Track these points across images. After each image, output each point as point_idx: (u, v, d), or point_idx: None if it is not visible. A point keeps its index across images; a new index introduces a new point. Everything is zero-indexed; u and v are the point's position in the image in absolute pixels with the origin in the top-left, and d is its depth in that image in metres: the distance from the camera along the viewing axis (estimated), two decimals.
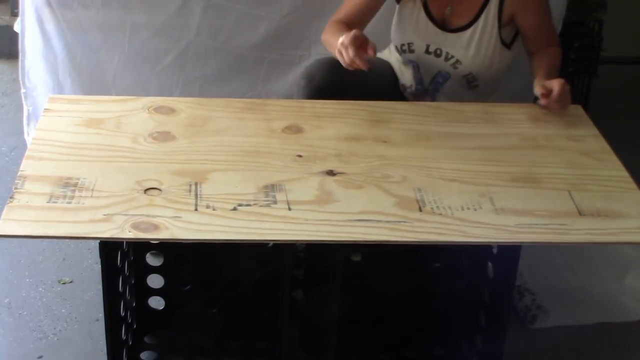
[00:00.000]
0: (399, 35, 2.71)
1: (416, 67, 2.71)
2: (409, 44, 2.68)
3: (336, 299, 2.25)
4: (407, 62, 2.74)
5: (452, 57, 2.65)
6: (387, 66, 2.82)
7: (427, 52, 2.67)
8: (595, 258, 2.97)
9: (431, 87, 2.73)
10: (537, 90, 2.45)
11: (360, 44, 2.36)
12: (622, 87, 4.34)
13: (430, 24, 2.64)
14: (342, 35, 2.40)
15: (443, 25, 2.64)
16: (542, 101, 2.42)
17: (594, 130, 2.42)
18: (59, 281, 2.80)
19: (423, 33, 2.66)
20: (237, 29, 3.07)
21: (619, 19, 3.98)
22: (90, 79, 3.09)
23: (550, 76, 2.51)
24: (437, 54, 2.65)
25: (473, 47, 2.62)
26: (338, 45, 2.37)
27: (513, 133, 2.40)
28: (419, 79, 2.73)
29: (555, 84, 2.42)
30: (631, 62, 4.54)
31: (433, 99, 2.74)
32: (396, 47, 2.74)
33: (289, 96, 2.88)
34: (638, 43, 4.57)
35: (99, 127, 2.30)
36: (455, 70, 2.67)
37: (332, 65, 2.58)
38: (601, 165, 2.27)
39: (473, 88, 2.71)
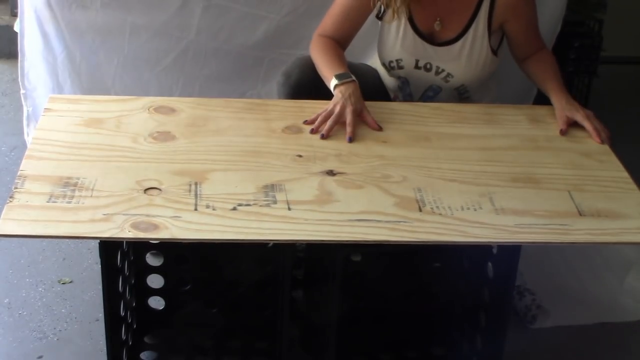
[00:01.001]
0: (386, 52, 2.66)
1: (405, 82, 2.70)
2: (397, 60, 2.65)
3: (336, 299, 2.25)
4: (395, 77, 2.72)
5: (443, 70, 2.62)
6: (371, 71, 2.80)
7: (417, 67, 2.63)
8: (595, 258, 2.97)
9: (420, 101, 2.70)
10: (562, 124, 2.43)
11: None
12: (622, 87, 4.35)
13: (417, 38, 2.60)
14: (339, 63, 2.50)
15: (431, 39, 2.61)
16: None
17: None
18: (59, 281, 2.80)
19: (411, 49, 2.62)
20: (237, 28, 3.07)
21: (619, 19, 3.98)
22: (90, 80, 3.09)
23: (562, 86, 2.53)
24: (427, 69, 2.63)
25: (464, 59, 2.59)
26: (344, 113, 2.36)
27: (513, 134, 2.40)
28: (407, 93, 2.71)
29: (581, 120, 2.42)
30: (631, 62, 4.54)
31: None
32: (384, 64, 2.70)
33: None
34: (638, 43, 4.58)
35: (99, 127, 2.30)
36: (447, 84, 2.64)
37: (310, 63, 2.60)
38: (601, 166, 2.27)
39: (464, 100, 2.68)
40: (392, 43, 2.63)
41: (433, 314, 2.55)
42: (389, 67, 2.68)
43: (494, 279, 2.27)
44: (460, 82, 2.63)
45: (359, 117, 2.38)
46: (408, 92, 2.71)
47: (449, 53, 2.60)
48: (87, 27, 3.03)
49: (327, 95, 2.45)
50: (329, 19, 2.64)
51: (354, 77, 2.45)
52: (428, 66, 2.62)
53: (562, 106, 2.45)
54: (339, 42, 2.63)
